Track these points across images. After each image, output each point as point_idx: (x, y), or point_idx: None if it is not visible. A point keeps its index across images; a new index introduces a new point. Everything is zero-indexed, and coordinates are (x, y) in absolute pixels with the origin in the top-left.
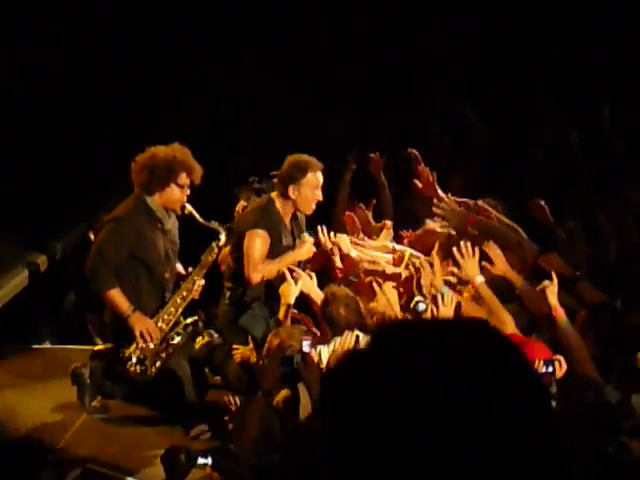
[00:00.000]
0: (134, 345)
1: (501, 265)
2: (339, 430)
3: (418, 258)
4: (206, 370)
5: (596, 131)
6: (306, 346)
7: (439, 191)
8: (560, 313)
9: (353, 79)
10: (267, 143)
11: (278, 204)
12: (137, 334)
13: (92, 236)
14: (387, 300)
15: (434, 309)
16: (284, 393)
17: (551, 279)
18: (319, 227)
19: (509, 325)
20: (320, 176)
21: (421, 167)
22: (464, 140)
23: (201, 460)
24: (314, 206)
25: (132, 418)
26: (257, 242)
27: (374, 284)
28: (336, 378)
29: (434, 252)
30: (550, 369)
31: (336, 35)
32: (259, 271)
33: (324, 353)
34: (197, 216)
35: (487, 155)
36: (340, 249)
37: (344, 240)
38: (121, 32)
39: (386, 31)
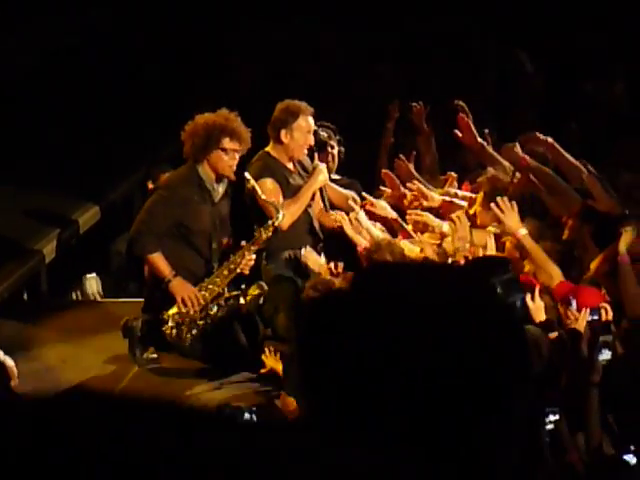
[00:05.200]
0: (173, 309)
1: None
2: (312, 366)
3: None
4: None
5: None
6: None
7: (479, 138)
8: (626, 261)
9: (405, 30)
10: (316, 95)
11: (274, 153)
12: (178, 299)
13: (150, 185)
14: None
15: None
16: None
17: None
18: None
19: (556, 277)
20: (311, 120)
21: (460, 115)
22: (520, 90)
23: (246, 416)
24: (306, 151)
25: (184, 369)
26: (268, 190)
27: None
28: (314, 315)
29: (478, 202)
30: (595, 317)
31: None
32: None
33: None
34: (259, 192)
35: (541, 104)
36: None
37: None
38: None
39: None
